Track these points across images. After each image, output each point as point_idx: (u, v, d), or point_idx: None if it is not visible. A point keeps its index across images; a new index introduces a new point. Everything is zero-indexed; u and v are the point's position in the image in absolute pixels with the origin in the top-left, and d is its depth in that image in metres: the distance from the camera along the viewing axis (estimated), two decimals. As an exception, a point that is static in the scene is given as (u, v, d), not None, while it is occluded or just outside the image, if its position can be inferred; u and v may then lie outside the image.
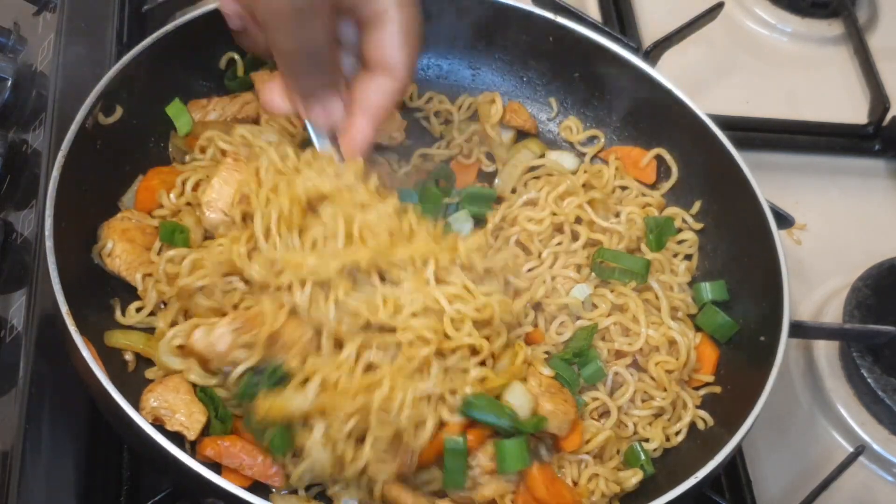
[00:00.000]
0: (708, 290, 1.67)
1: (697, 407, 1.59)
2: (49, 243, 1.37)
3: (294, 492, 1.41)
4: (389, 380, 1.37)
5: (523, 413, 1.45)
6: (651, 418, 1.56)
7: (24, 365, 1.44)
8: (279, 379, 1.38)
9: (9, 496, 1.33)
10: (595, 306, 1.62)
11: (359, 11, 1.40)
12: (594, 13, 2.22)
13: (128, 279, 1.52)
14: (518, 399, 1.45)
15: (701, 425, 1.57)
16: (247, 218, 1.51)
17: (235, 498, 1.25)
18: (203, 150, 1.65)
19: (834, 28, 2.35)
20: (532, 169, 1.79)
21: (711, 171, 1.74)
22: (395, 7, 1.40)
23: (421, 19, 1.44)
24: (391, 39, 1.41)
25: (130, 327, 1.50)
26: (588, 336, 1.57)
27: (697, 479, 1.38)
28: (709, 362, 1.62)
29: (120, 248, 1.51)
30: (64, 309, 1.33)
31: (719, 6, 2.06)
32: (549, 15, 1.79)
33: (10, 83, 1.75)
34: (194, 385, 1.44)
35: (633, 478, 1.50)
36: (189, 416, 1.40)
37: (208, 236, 1.57)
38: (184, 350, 1.44)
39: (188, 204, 1.60)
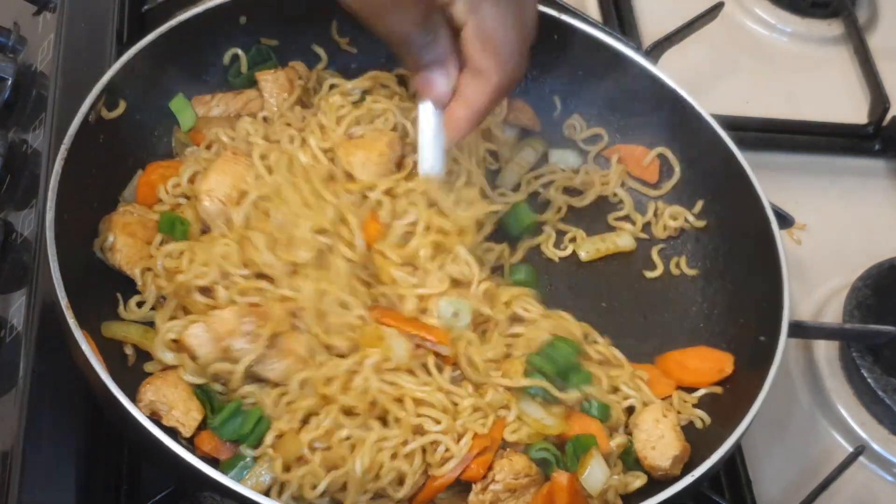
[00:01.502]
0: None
1: (695, 406, 1.59)
2: (50, 235, 1.37)
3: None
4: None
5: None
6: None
7: (24, 365, 1.44)
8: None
9: (9, 496, 1.33)
10: None
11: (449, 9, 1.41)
12: (594, 13, 2.22)
13: (128, 273, 1.52)
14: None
15: (699, 424, 1.57)
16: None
17: (232, 492, 1.25)
18: (209, 147, 1.66)
19: (834, 28, 2.35)
20: (534, 168, 1.81)
21: (714, 171, 1.75)
22: (470, 25, 1.40)
23: (520, 16, 1.43)
24: (473, 49, 1.42)
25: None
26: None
27: (694, 478, 1.39)
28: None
29: (121, 242, 1.52)
30: (63, 302, 1.33)
31: (719, 6, 2.06)
32: (553, 12, 1.79)
33: (10, 83, 1.75)
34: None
35: (636, 482, 1.50)
36: (186, 413, 1.40)
37: (205, 230, 1.58)
38: (178, 345, 1.45)
39: (186, 197, 1.60)
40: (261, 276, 1.51)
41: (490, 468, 1.42)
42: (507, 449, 1.46)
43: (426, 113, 1.52)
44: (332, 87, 1.76)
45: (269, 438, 1.39)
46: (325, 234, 1.53)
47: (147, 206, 1.59)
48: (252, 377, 1.46)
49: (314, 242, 1.51)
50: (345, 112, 1.67)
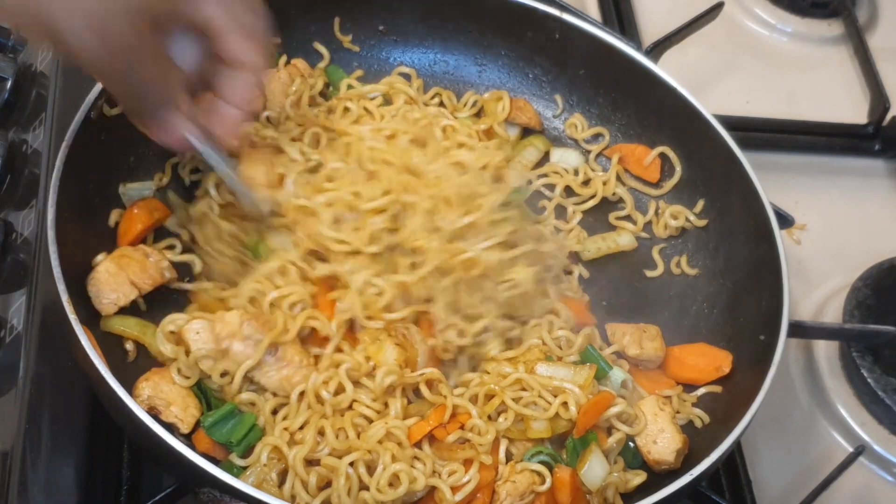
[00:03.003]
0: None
1: (694, 405, 1.59)
2: (51, 232, 1.37)
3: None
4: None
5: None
6: None
7: (24, 365, 1.44)
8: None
9: (9, 496, 1.33)
10: None
11: (191, 22, 1.33)
12: (594, 13, 2.22)
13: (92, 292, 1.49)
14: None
15: (698, 423, 1.57)
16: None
17: (232, 488, 1.25)
18: None
19: (834, 28, 2.35)
20: (539, 166, 1.83)
21: (715, 170, 1.75)
22: (221, 18, 1.34)
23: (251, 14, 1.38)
24: (234, 43, 1.36)
25: (128, 313, 1.50)
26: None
27: (693, 476, 1.39)
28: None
29: (104, 268, 1.49)
30: (64, 297, 1.34)
31: (719, 6, 2.06)
32: (555, 12, 1.80)
33: (10, 83, 1.75)
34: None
35: (635, 479, 1.50)
36: (184, 410, 1.41)
37: None
38: (176, 337, 1.45)
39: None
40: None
41: (494, 492, 1.42)
42: (508, 463, 1.45)
43: (210, 157, 1.43)
44: (349, 87, 1.78)
45: (263, 456, 1.38)
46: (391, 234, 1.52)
47: (133, 244, 1.56)
48: (248, 381, 1.46)
49: (382, 238, 1.51)
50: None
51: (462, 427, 1.44)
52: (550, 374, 1.50)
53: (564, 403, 1.46)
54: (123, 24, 1.20)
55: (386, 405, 1.44)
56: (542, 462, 1.44)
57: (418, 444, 1.42)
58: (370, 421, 1.42)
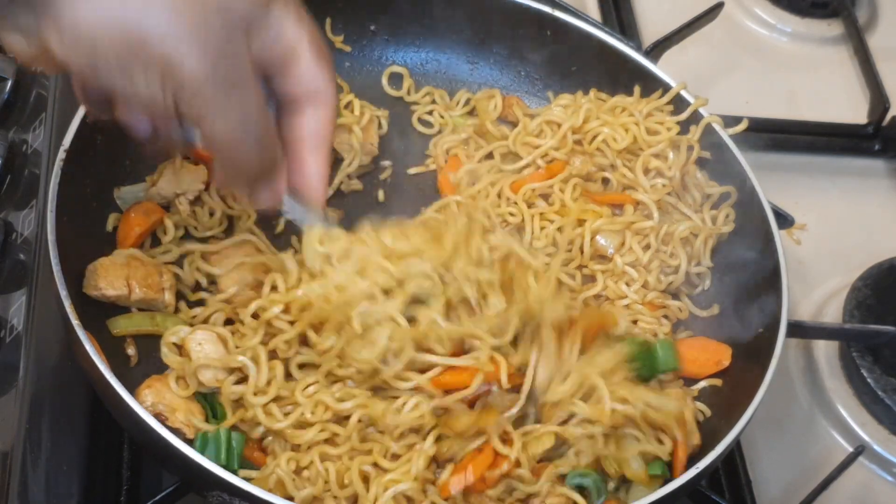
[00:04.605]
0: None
1: (695, 399, 1.59)
2: (52, 239, 1.37)
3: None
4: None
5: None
6: None
7: (24, 365, 1.44)
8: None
9: (9, 496, 1.33)
10: None
11: (267, 55, 1.18)
12: (594, 13, 2.22)
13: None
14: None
15: (699, 417, 1.56)
16: None
17: (241, 491, 1.25)
18: None
19: (834, 28, 2.35)
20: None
21: (714, 170, 1.74)
22: (302, 39, 1.21)
23: (322, 38, 1.27)
24: (310, 69, 1.23)
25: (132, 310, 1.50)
26: None
27: (699, 470, 1.38)
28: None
29: (110, 259, 1.49)
30: (67, 303, 1.33)
31: (719, 6, 2.06)
32: (547, 9, 1.80)
33: (10, 83, 1.75)
34: (190, 385, 1.45)
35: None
36: (188, 415, 1.40)
37: None
38: (181, 350, 1.45)
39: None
40: None
41: None
42: (541, 480, 1.38)
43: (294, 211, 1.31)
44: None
45: (271, 481, 1.34)
46: None
47: (128, 247, 1.55)
48: None
49: None
50: None
51: (506, 476, 1.35)
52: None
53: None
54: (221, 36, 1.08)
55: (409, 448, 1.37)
56: (580, 486, 1.39)
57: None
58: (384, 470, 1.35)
